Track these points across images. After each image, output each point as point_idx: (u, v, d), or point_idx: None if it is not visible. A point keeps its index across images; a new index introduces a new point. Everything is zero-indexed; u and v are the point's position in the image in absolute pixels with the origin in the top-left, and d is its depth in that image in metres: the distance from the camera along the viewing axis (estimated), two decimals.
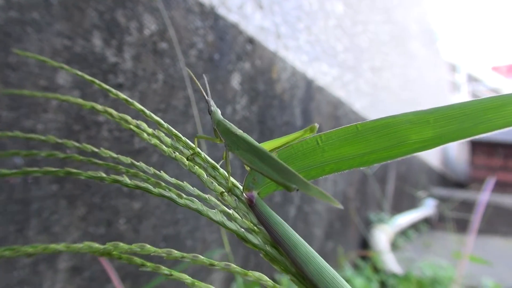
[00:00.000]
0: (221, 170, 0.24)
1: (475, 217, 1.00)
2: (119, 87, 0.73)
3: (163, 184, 0.23)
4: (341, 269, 1.93)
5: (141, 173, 0.24)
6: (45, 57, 0.61)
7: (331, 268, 0.19)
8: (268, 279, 0.19)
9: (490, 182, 1.01)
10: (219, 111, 0.27)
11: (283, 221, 0.20)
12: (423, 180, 4.23)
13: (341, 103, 1.97)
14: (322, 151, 0.21)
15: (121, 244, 0.22)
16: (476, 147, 5.69)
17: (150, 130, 0.25)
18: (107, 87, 0.27)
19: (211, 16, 0.96)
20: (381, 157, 0.21)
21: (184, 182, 0.23)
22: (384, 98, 2.95)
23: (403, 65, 3.52)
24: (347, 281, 1.77)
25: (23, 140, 0.61)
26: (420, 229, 3.62)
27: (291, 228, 0.20)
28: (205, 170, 0.23)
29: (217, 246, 1.05)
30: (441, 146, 0.21)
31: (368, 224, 2.58)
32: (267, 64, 1.25)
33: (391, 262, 2.10)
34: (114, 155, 0.25)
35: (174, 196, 0.22)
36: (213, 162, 0.24)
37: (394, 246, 2.68)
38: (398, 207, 3.25)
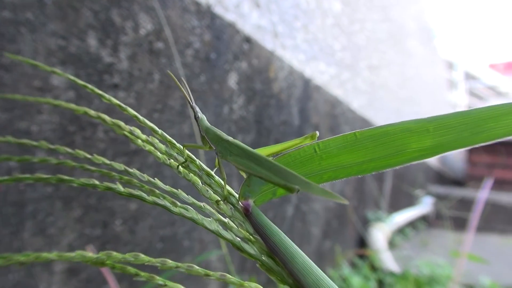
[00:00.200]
0: (217, 177, 0.23)
1: (473, 215, 1.01)
2: (114, 87, 0.73)
3: (157, 191, 0.22)
4: (338, 268, 1.93)
5: (135, 180, 0.24)
6: (40, 57, 0.60)
7: (329, 279, 0.18)
8: None
9: (489, 181, 1.01)
10: (205, 118, 0.26)
11: (279, 230, 0.20)
12: (421, 178, 4.24)
13: (338, 101, 1.97)
14: (320, 159, 0.21)
15: (115, 253, 0.22)
16: None
17: (144, 137, 0.24)
18: (100, 92, 0.27)
19: (208, 15, 0.95)
20: (380, 165, 0.21)
21: (179, 190, 0.22)
22: (382, 96, 2.95)
23: (400, 63, 3.52)
24: (345, 280, 1.77)
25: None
26: (417, 227, 3.63)
27: (287, 238, 0.20)
28: (200, 177, 0.23)
29: (214, 246, 1.04)
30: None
31: (366, 223, 2.58)
32: (264, 63, 1.24)
33: (388, 261, 2.11)
34: (107, 161, 0.25)
35: (168, 204, 0.21)
36: (208, 169, 0.23)
37: (391, 244, 2.69)
38: (396, 205, 3.26)
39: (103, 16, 0.69)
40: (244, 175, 0.23)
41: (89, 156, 0.25)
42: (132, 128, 0.25)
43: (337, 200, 0.20)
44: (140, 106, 0.79)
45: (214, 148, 0.25)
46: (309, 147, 0.21)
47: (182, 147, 0.24)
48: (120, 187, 0.23)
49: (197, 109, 0.26)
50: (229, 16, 1.05)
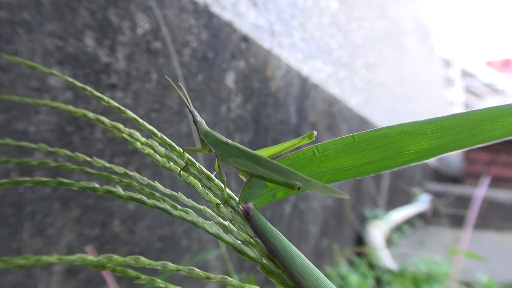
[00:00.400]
0: (216, 180, 0.23)
1: (470, 213, 1.01)
2: (112, 87, 0.73)
3: (158, 194, 0.23)
4: (336, 266, 1.94)
5: (135, 183, 0.24)
6: (37, 57, 0.60)
7: (329, 281, 0.18)
8: None
9: (486, 179, 1.01)
10: (204, 121, 0.26)
11: (279, 233, 0.20)
12: (418, 176, 4.25)
13: (336, 100, 1.97)
14: (319, 162, 0.21)
15: (115, 256, 0.22)
16: None
17: (143, 139, 0.24)
18: (99, 94, 0.27)
19: (205, 14, 0.95)
20: (378, 167, 0.21)
21: (179, 192, 0.22)
22: (379, 94, 2.96)
23: (397, 61, 3.52)
24: (343, 278, 1.78)
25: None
26: (414, 225, 3.65)
27: (288, 241, 0.20)
28: (200, 180, 0.23)
29: (212, 245, 1.05)
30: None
31: (363, 221, 2.59)
32: (262, 62, 1.24)
33: (386, 258, 2.12)
34: (107, 164, 0.25)
35: (168, 207, 0.21)
36: (208, 172, 0.23)
37: (389, 242, 2.70)
38: (393, 203, 3.27)
39: (100, 16, 0.69)
40: (244, 179, 0.23)
41: (88, 159, 0.25)
42: (132, 130, 0.25)
43: (338, 195, 0.20)
44: (138, 106, 0.79)
45: (214, 151, 0.25)
46: (308, 150, 0.21)
47: (181, 150, 0.25)
48: (120, 190, 0.23)
49: (196, 113, 0.26)
50: (226, 15, 1.05)
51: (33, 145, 0.28)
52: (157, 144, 0.24)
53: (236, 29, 1.09)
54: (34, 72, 0.60)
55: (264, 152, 0.25)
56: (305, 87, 1.59)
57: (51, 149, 0.27)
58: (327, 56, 1.85)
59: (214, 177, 0.23)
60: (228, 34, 1.06)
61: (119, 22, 0.72)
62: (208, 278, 0.19)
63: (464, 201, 3.29)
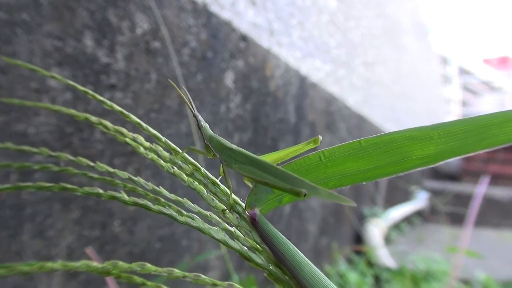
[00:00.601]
0: (222, 186, 0.23)
1: (469, 211, 1.01)
2: (111, 88, 0.72)
3: (162, 200, 0.22)
4: (335, 264, 1.94)
5: (139, 188, 0.24)
6: (36, 58, 0.60)
7: None
8: None
9: (485, 177, 1.01)
10: (208, 126, 0.26)
11: (286, 239, 0.20)
12: (416, 173, 4.26)
13: (334, 98, 1.97)
14: (325, 167, 0.21)
15: (121, 263, 0.22)
16: None
17: (147, 144, 0.24)
18: (102, 98, 0.26)
19: (204, 14, 0.95)
20: (384, 172, 0.21)
21: (184, 198, 0.22)
22: (377, 93, 2.96)
23: (395, 59, 3.53)
24: (342, 276, 1.78)
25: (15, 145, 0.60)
26: (413, 222, 3.66)
27: (294, 247, 0.20)
28: (205, 186, 0.23)
29: (212, 245, 1.05)
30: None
31: (362, 219, 2.59)
32: (261, 61, 1.24)
33: (384, 256, 2.12)
34: (111, 169, 0.24)
35: (174, 213, 0.21)
36: (213, 177, 0.23)
37: (387, 240, 2.71)
38: (391, 201, 3.28)
39: (99, 16, 0.68)
40: (250, 184, 0.23)
41: (92, 163, 0.25)
42: (135, 135, 0.25)
43: (344, 203, 0.20)
44: (137, 106, 0.78)
45: (219, 157, 0.25)
46: (314, 155, 0.21)
47: (185, 153, 0.24)
48: (125, 196, 0.22)
49: (200, 117, 0.26)
50: (225, 14, 1.04)
51: (35, 149, 0.28)
52: (161, 149, 0.24)
53: (235, 29, 1.09)
54: (33, 73, 0.60)
55: (269, 158, 0.24)
56: (304, 86, 1.59)
57: (53, 153, 0.27)
58: (325, 54, 1.85)
59: (219, 183, 0.23)
60: (227, 33, 1.05)
61: (118, 22, 0.72)
62: (215, 284, 0.19)
63: (462, 199, 3.30)
